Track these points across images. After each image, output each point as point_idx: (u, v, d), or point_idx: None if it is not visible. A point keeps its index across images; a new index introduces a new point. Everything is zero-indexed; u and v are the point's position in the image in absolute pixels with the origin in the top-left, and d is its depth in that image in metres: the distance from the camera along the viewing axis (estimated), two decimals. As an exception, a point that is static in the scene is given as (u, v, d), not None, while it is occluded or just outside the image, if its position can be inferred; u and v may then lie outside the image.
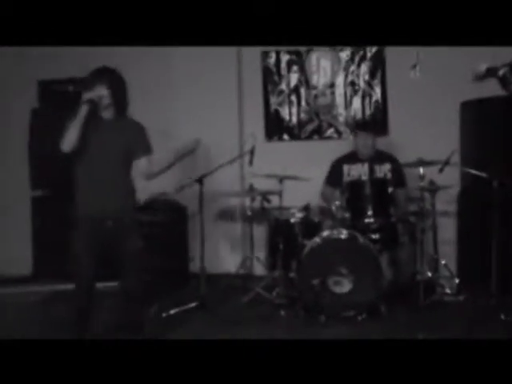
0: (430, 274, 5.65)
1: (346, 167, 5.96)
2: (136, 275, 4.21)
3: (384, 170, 5.85)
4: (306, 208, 5.83)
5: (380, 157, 5.93)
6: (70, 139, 3.91)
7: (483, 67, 2.43)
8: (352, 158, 6.02)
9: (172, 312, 5.24)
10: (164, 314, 5.20)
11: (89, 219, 4.03)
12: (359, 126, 6.39)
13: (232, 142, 6.81)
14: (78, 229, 4.06)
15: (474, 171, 5.34)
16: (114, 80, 4.07)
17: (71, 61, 6.72)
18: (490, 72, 2.40)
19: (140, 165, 4.17)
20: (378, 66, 6.77)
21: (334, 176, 5.98)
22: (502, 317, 4.83)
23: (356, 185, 5.49)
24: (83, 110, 3.90)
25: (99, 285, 6.19)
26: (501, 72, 2.36)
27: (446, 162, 5.39)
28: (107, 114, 4.09)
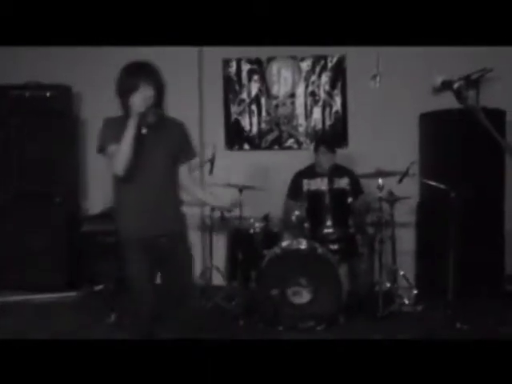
0: (388, 285, 5.70)
1: (305, 182, 5.94)
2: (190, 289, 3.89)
3: (343, 184, 5.83)
4: (266, 218, 5.82)
5: (338, 171, 5.92)
6: (124, 160, 3.36)
7: (439, 80, 2.44)
8: (311, 172, 6.01)
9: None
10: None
11: (141, 240, 3.53)
12: (320, 142, 6.22)
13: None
14: (129, 252, 3.58)
15: (432, 182, 5.39)
16: (158, 78, 3.50)
17: (29, 64, 6.67)
18: (446, 85, 2.41)
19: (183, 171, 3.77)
20: (339, 77, 6.80)
21: (295, 190, 5.95)
22: (458, 325, 4.90)
23: (315, 195, 5.49)
24: (133, 123, 3.35)
25: (55, 295, 6.20)
26: (456, 85, 2.37)
27: (405, 173, 5.44)
28: (149, 117, 3.52)
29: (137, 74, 3.43)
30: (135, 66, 3.49)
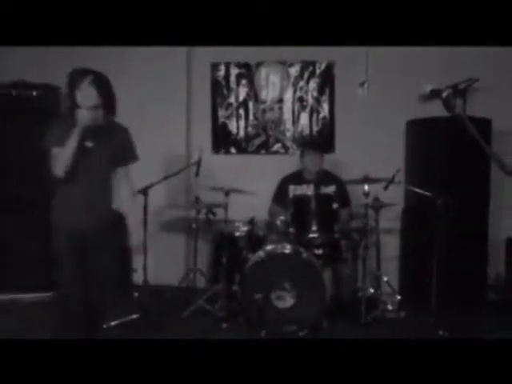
0: (372, 291, 5.72)
1: (292, 187, 5.96)
2: (103, 287, 3.97)
3: (329, 191, 5.85)
4: (251, 222, 5.83)
5: (325, 177, 5.95)
6: (64, 164, 3.65)
7: (427, 89, 2.47)
8: (298, 178, 6.03)
9: (113, 323, 5.15)
10: (105, 326, 5.11)
11: (72, 232, 3.78)
12: (307, 144, 6.38)
13: (179, 153, 6.78)
14: (60, 241, 3.82)
15: (417, 189, 5.41)
16: (105, 84, 3.79)
17: (18, 63, 6.65)
18: (434, 94, 2.43)
19: (122, 173, 3.97)
20: (327, 83, 6.82)
21: (281, 195, 5.98)
22: (441, 332, 4.93)
23: (301, 200, 5.49)
24: (77, 135, 3.63)
25: (40, 295, 6.14)
26: (444, 94, 2.39)
27: (391, 180, 5.46)
28: (95, 120, 3.72)
29: (78, 75, 3.72)
30: (78, 69, 3.78)
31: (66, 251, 3.79)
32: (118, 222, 4.01)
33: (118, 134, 3.94)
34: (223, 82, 6.99)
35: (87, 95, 3.67)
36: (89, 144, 3.73)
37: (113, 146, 3.85)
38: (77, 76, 3.72)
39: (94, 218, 3.82)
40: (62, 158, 3.65)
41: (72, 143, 3.62)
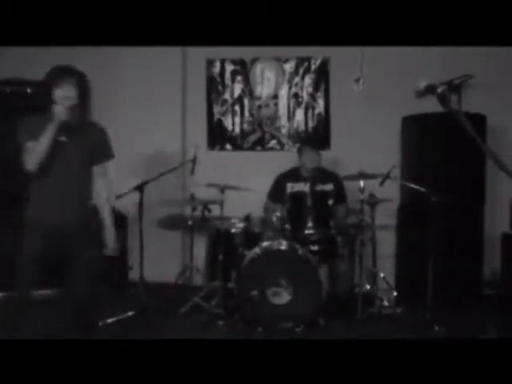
0: (368, 287, 5.71)
1: (289, 185, 5.95)
2: (86, 285, 3.96)
3: (326, 189, 5.86)
4: (247, 218, 5.82)
5: (322, 175, 5.94)
6: (37, 159, 3.66)
7: (422, 84, 2.45)
8: (295, 175, 6.02)
9: (109, 321, 5.15)
10: (100, 323, 5.11)
11: (44, 227, 3.78)
12: (305, 142, 6.38)
13: (174, 150, 6.76)
14: (29, 234, 3.85)
15: (413, 186, 5.41)
16: (82, 82, 3.79)
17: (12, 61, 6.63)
18: (429, 89, 2.42)
19: (98, 171, 4.01)
20: (322, 79, 6.82)
21: (277, 192, 5.97)
22: (436, 328, 4.93)
23: (297, 196, 5.49)
24: (52, 129, 3.65)
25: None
26: (439, 90, 2.38)
27: (387, 176, 5.45)
28: (72, 118, 3.73)
29: (61, 73, 3.74)
30: (61, 66, 3.80)
31: (40, 248, 3.79)
32: (94, 217, 4.03)
33: (93, 132, 3.97)
34: (218, 79, 6.98)
35: (68, 95, 3.69)
36: (63, 138, 3.74)
37: (88, 143, 3.87)
38: (60, 74, 3.73)
39: (69, 213, 3.82)
40: (35, 151, 3.65)
41: (47, 137, 3.63)
